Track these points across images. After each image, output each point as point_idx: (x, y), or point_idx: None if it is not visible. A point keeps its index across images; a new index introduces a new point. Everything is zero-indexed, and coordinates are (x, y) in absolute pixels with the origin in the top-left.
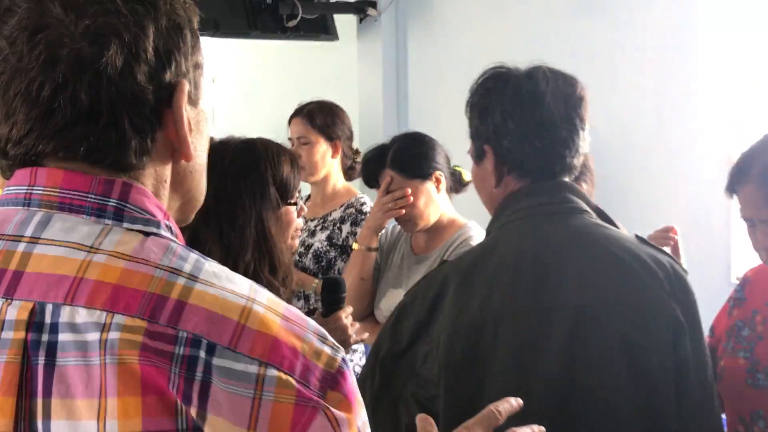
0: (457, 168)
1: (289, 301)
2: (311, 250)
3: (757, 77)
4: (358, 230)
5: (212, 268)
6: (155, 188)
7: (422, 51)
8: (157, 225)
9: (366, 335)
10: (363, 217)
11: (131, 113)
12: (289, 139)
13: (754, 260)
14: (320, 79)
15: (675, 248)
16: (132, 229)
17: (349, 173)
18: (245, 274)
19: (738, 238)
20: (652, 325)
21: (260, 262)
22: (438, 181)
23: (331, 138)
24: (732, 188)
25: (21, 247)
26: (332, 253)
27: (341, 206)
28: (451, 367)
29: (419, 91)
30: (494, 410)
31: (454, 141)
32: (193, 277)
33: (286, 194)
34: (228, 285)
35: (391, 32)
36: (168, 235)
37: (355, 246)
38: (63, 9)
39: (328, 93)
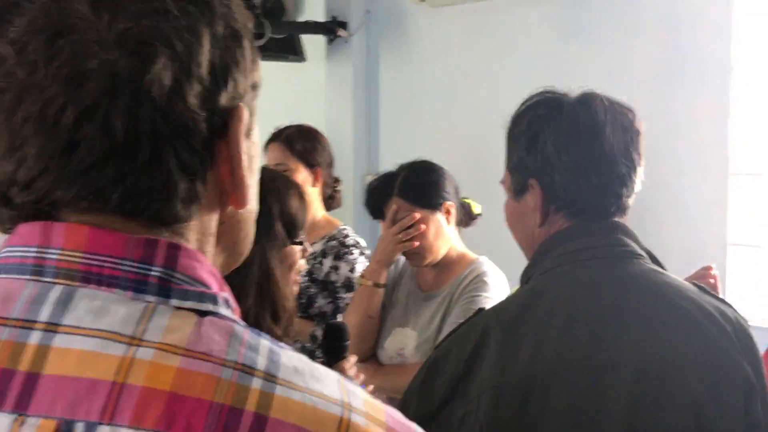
0: (466, 200)
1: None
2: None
3: (749, 105)
4: (342, 264)
5: (291, 360)
6: (199, 244)
7: (394, 74)
8: (214, 300)
9: (362, 377)
10: (346, 250)
11: (179, 147)
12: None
13: (748, 286)
14: (288, 102)
15: (714, 290)
16: (182, 308)
17: (328, 203)
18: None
19: (733, 268)
20: (723, 387)
21: (262, 308)
22: (448, 212)
23: (311, 165)
24: None
25: (34, 337)
26: (313, 289)
27: (322, 238)
28: (496, 431)
29: (390, 115)
30: None
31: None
32: (271, 377)
33: (292, 232)
34: (315, 386)
35: (362, 54)
36: (228, 313)
37: (361, 281)
38: (92, 7)
39: (295, 116)
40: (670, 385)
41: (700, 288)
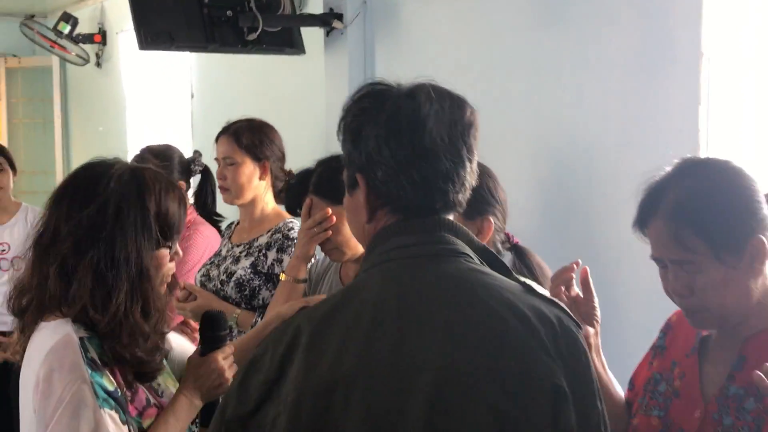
0: None
1: (156, 347)
2: (233, 278)
3: (726, 97)
4: (285, 257)
5: None
6: None
7: (389, 64)
8: None
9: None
10: (290, 243)
11: None
12: (216, 159)
13: None
14: (289, 94)
15: (586, 285)
16: None
17: (280, 196)
18: (115, 316)
19: None
20: (527, 394)
21: (132, 303)
22: None
23: (258, 158)
24: (641, 225)
25: None
26: (256, 281)
27: (268, 231)
28: None
29: None
30: None
31: None
32: None
33: (167, 234)
34: None
35: (358, 45)
36: None
37: (282, 276)
38: None
39: (297, 107)
40: (469, 391)
41: (526, 288)
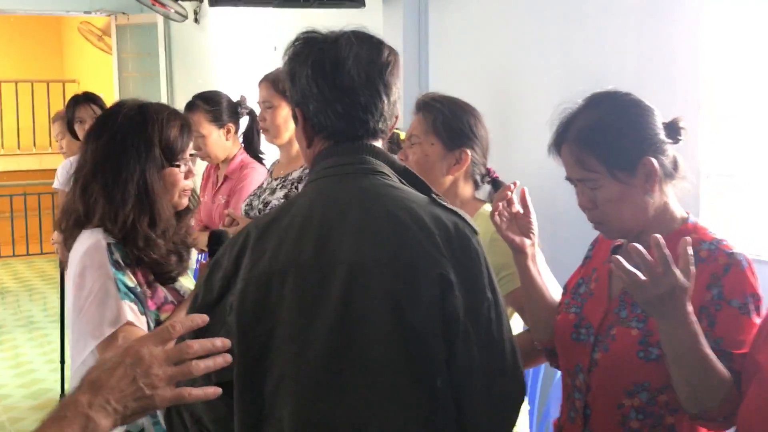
0: (396, 130)
1: (172, 252)
2: (268, 207)
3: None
4: None
5: None
6: None
7: (443, 16)
8: None
9: None
10: None
11: None
12: (257, 102)
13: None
14: None
15: (524, 204)
16: None
17: None
18: (123, 226)
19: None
20: (417, 282)
21: (140, 216)
22: None
23: None
24: (555, 149)
25: None
26: None
27: (301, 167)
28: (244, 315)
29: (439, 57)
30: (169, 325)
31: (474, 104)
32: None
33: (171, 156)
34: None
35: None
36: None
37: None
38: None
39: None
40: (372, 279)
41: (433, 200)
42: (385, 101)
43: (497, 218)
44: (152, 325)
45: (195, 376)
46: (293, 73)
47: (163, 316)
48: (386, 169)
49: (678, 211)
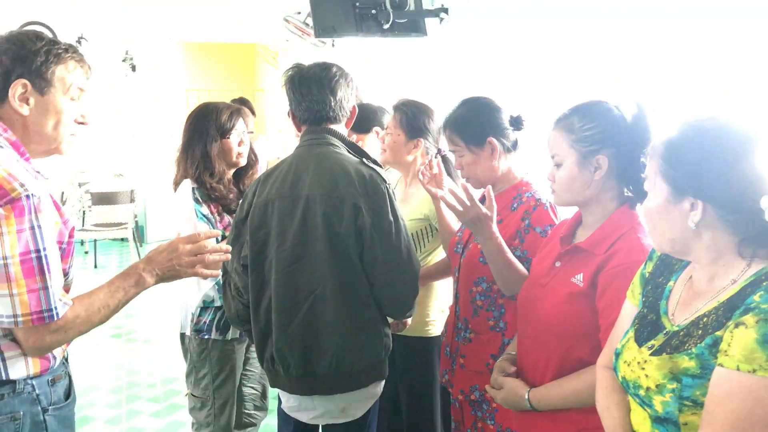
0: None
1: (226, 193)
2: None
3: None
4: None
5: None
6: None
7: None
8: None
9: None
10: None
11: None
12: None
13: None
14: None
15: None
16: None
17: None
18: (194, 177)
19: None
20: (340, 207)
21: (204, 169)
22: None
23: None
24: (443, 131)
25: None
26: None
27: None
28: (253, 224)
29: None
30: (197, 233)
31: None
32: None
33: (223, 132)
34: None
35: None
36: None
37: None
38: None
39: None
40: (317, 205)
41: (361, 161)
42: (332, 100)
43: (419, 175)
44: (219, 238)
45: (208, 262)
46: (288, 89)
47: (226, 233)
48: (337, 142)
49: (518, 173)
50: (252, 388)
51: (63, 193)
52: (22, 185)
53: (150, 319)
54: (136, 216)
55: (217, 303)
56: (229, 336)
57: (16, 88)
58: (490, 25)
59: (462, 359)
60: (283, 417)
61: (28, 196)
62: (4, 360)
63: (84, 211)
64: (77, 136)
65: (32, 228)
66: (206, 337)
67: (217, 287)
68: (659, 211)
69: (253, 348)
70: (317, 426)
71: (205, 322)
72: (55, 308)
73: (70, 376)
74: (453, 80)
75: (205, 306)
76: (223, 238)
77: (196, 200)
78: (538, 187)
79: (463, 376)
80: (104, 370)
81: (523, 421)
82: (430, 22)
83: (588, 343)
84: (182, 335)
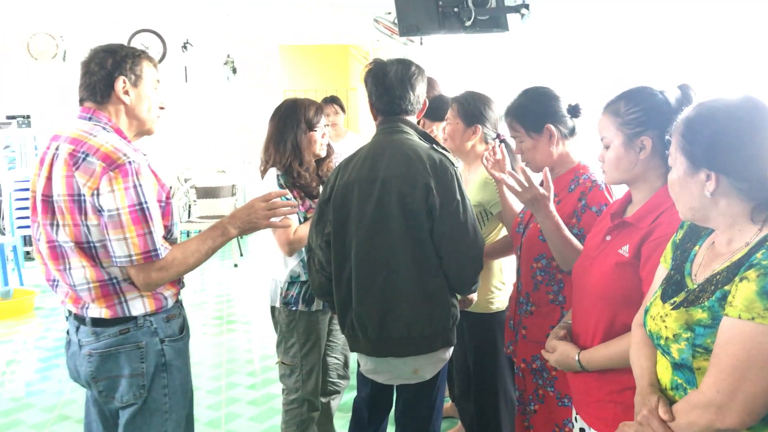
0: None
1: (314, 180)
2: None
3: None
4: None
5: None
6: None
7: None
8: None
9: None
10: None
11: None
12: None
13: None
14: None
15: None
16: None
17: None
18: (283, 165)
19: None
20: (413, 187)
21: (294, 159)
22: None
23: None
24: (504, 119)
25: None
26: None
27: None
28: (335, 203)
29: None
30: (269, 193)
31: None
32: None
33: (310, 126)
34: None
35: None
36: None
37: None
38: None
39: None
40: (392, 186)
41: (431, 147)
42: (411, 95)
43: (483, 160)
44: (301, 218)
45: (278, 215)
46: (366, 81)
47: (308, 215)
48: (410, 130)
49: (575, 157)
50: (335, 358)
51: (171, 187)
52: (125, 155)
53: (248, 304)
54: (236, 208)
55: (303, 278)
56: (314, 308)
57: (119, 83)
58: (567, 20)
59: (524, 330)
60: (361, 379)
61: (129, 162)
62: (126, 300)
63: (189, 205)
64: (161, 119)
65: (135, 186)
66: (293, 309)
67: (302, 264)
68: (680, 183)
69: (335, 320)
70: (392, 387)
71: (292, 296)
72: (158, 249)
73: (184, 317)
74: (529, 72)
75: (292, 281)
76: (305, 219)
77: (281, 186)
78: (595, 170)
79: (525, 347)
80: (206, 347)
81: (575, 381)
82: (511, 18)
83: (633, 309)
84: (272, 308)
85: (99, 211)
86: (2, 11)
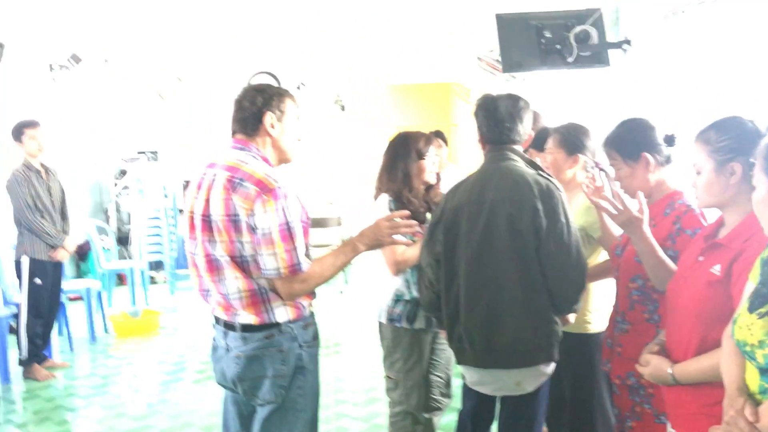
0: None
1: (422, 205)
2: None
3: None
4: None
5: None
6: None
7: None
8: None
9: None
10: None
11: None
12: None
13: None
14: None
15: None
16: None
17: None
18: (395, 192)
19: None
20: (521, 209)
21: (404, 186)
22: None
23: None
24: (602, 149)
25: None
26: None
27: None
28: (447, 225)
29: None
30: (393, 216)
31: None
32: None
33: (420, 155)
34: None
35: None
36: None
37: None
38: None
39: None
40: (500, 208)
41: (538, 173)
42: (520, 126)
43: (582, 187)
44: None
45: (401, 233)
46: (476, 114)
47: (415, 239)
48: (516, 158)
49: (671, 184)
50: (438, 376)
51: None
52: (275, 180)
53: (352, 334)
54: (342, 238)
55: (407, 297)
56: (416, 326)
57: (267, 118)
58: (667, 55)
59: (620, 348)
60: (466, 391)
61: (279, 187)
62: (272, 308)
63: None
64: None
65: (283, 208)
66: (398, 325)
67: (406, 283)
68: (764, 202)
69: (439, 339)
70: (494, 401)
71: (397, 313)
72: (302, 263)
73: (316, 324)
74: (625, 103)
75: (397, 299)
76: (413, 242)
77: (391, 209)
78: (689, 196)
79: (620, 364)
80: None
81: (669, 394)
82: (612, 53)
83: (724, 326)
84: (379, 324)
85: (253, 229)
86: (135, 56)
